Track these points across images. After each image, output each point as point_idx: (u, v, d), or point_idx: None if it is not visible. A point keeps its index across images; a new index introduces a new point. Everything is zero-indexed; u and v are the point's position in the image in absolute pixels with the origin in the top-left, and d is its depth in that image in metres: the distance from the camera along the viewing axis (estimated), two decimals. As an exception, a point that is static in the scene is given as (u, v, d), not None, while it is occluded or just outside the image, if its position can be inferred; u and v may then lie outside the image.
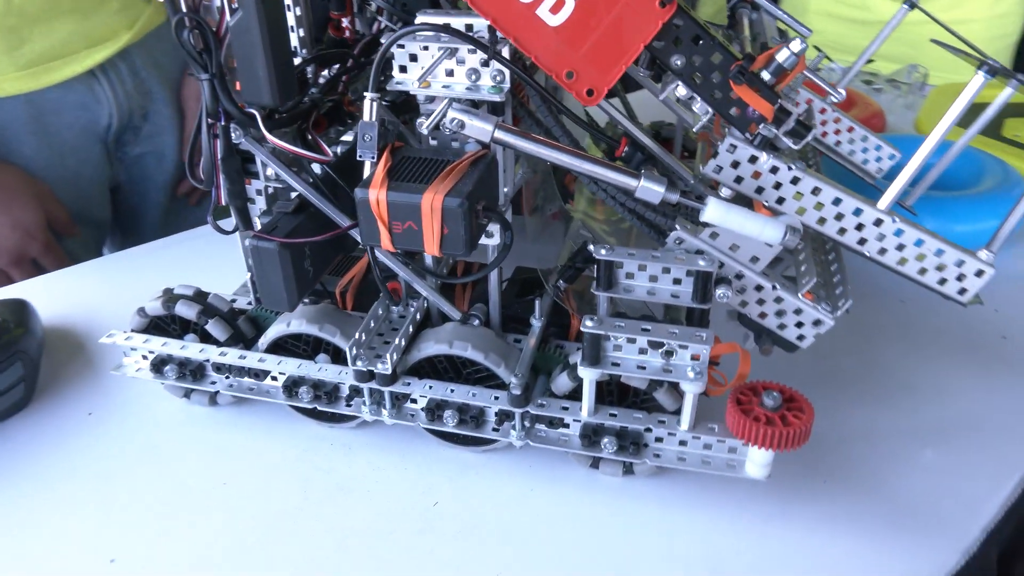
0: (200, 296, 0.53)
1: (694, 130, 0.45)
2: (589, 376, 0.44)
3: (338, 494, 0.49)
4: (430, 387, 0.48)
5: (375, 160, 0.43)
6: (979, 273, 0.46)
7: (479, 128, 0.41)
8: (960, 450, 0.51)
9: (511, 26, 0.40)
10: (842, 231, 0.46)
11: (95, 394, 0.58)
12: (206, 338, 0.53)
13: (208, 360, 0.52)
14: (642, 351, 0.43)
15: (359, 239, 0.48)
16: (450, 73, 0.44)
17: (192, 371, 0.52)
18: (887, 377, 0.58)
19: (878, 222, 0.45)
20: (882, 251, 0.46)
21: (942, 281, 0.46)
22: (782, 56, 0.41)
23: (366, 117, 0.43)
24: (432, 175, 0.42)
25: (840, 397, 0.55)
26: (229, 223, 0.49)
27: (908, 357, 0.60)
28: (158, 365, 0.52)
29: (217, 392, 0.55)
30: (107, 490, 0.50)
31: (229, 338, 0.52)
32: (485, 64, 0.43)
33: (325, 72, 0.54)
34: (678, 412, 0.46)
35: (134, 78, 0.86)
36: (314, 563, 0.45)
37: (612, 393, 0.47)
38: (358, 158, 0.43)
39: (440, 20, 0.43)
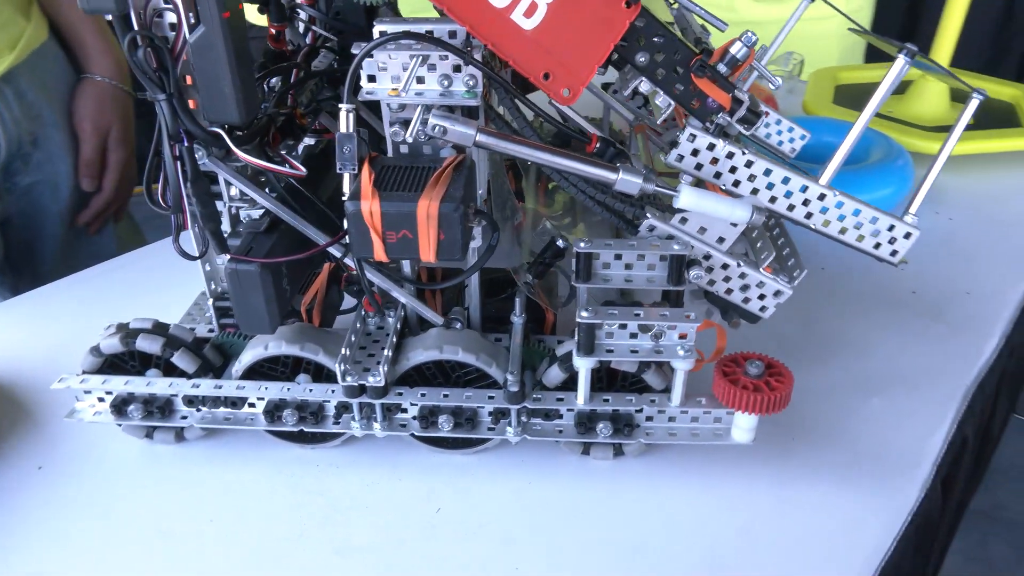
0: (160, 328, 0.50)
1: (658, 121, 0.47)
2: (585, 365, 0.46)
3: (336, 514, 0.48)
4: (423, 395, 0.48)
5: (356, 172, 0.43)
6: (907, 235, 0.51)
7: (461, 132, 0.42)
8: (898, 396, 0.57)
9: (487, 31, 0.41)
10: (791, 207, 0.50)
11: (40, 446, 0.53)
12: (169, 371, 0.50)
13: (178, 395, 0.49)
14: (633, 335, 0.45)
15: (336, 254, 0.47)
16: (420, 80, 0.44)
17: (159, 407, 0.49)
18: (822, 338, 0.64)
19: (822, 197, 0.49)
20: (826, 223, 0.50)
21: (877, 245, 0.51)
22: (735, 48, 0.45)
23: (343, 128, 0.42)
24: (417, 183, 0.42)
25: (786, 359, 0.60)
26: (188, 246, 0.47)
27: (837, 318, 0.66)
28: (119, 406, 0.49)
29: (183, 427, 0.52)
30: (84, 546, 0.46)
31: (198, 369, 0.50)
32: (457, 70, 0.44)
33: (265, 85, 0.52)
34: (665, 391, 0.48)
35: (20, 102, 0.79)
36: (327, 586, 0.44)
37: (602, 379, 0.49)
38: (338, 171, 0.43)
39: (399, 28, 0.43)
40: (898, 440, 0.53)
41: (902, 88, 1.00)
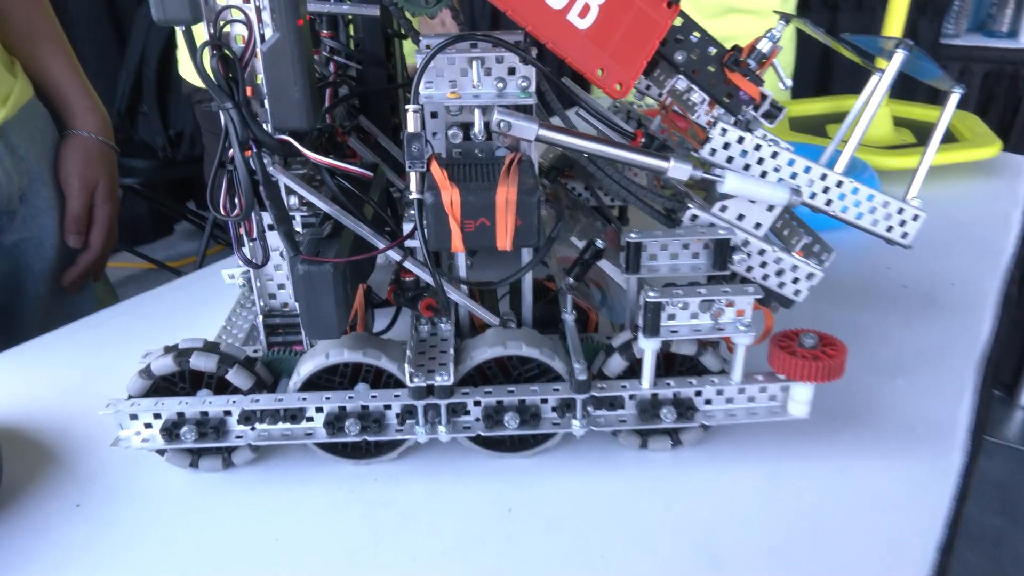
0: (211, 346, 0.49)
1: (694, 119, 0.51)
2: (650, 346, 0.47)
3: (408, 521, 0.47)
4: (488, 392, 0.48)
5: (424, 170, 0.44)
6: (915, 217, 0.55)
7: (525, 127, 0.44)
8: (920, 374, 0.60)
9: (547, 31, 0.44)
10: (812, 195, 0.53)
11: (74, 484, 0.50)
12: (220, 392, 0.49)
13: (232, 412, 0.48)
14: (694, 316, 0.47)
15: (396, 257, 0.48)
16: (475, 84, 0.46)
17: (213, 428, 0.48)
18: (835, 330, 0.66)
19: (839, 184, 0.53)
20: (844, 209, 0.54)
21: (889, 228, 0.55)
22: (762, 45, 0.49)
23: (411, 128, 0.44)
24: (486, 175, 0.44)
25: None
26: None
27: (842, 312, 0.69)
28: (170, 429, 0.47)
29: (231, 452, 0.51)
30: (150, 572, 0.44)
31: (252, 387, 0.49)
32: (511, 72, 0.46)
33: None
34: (721, 372, 0.50)
35: (12, 156, 0.77)
36: (412, 592, 0.43)
37: (659, 367, 0.50)
38: (407, 169, 0.44)
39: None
40: (931, 412, 0.56)
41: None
